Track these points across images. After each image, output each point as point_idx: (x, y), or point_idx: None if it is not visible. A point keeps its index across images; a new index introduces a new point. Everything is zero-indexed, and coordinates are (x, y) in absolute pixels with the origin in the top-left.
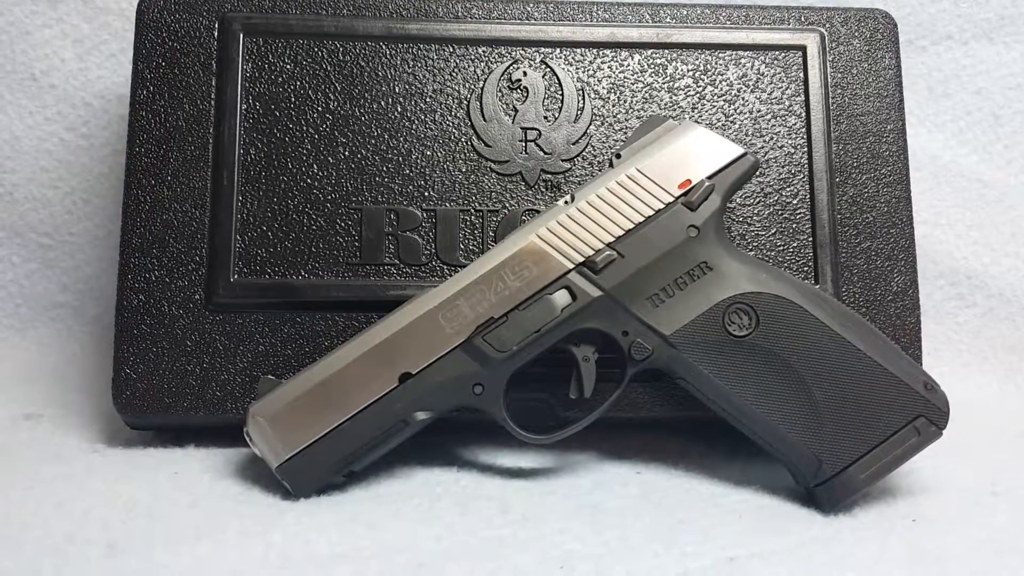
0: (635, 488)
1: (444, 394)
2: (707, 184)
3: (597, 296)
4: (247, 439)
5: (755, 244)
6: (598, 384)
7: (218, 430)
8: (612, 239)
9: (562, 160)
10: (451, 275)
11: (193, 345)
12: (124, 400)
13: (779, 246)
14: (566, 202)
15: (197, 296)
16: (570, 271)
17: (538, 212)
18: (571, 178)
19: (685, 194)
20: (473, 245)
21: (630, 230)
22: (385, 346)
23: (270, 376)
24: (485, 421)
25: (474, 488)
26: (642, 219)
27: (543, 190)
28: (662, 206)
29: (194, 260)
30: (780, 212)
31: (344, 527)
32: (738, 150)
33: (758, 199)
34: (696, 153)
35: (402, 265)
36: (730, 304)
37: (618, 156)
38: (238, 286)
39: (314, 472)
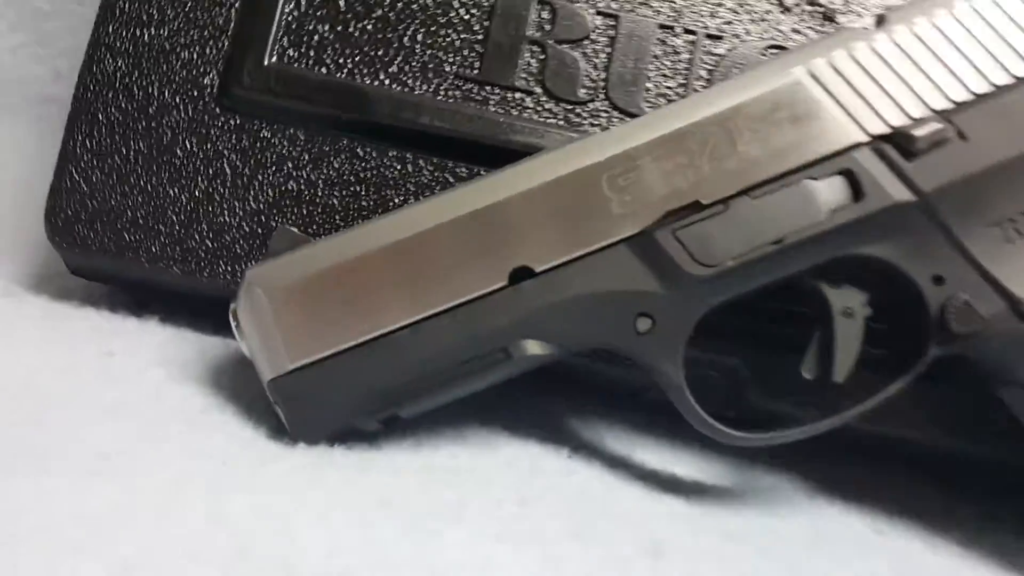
0: (882, 564)
1: (583, 319)
2: None
3: (904, 201)
4: (232, 323)
5: None
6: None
7: (198, 301)
8: (948, 104)
9: None
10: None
11: (184, 158)
12: (61, 225)
13: None
14: (866, 28)
15: (205, 82)
16: (861, 146)
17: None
18: (856, 5)
19: None
20: (670, 87)
21: (984, 95)
22: (493, 216)
23: (293, 228)
24: (627, 381)
25: (594, 495)
26: (1012, 80)
27: (808, 17)
28: None
29: (212, 26)
30: None
31: (351, 526)
32: None
33: None
34: None
35: (544, 97)
36: None
37: None
38: (273, 75)
39: (333, 404)
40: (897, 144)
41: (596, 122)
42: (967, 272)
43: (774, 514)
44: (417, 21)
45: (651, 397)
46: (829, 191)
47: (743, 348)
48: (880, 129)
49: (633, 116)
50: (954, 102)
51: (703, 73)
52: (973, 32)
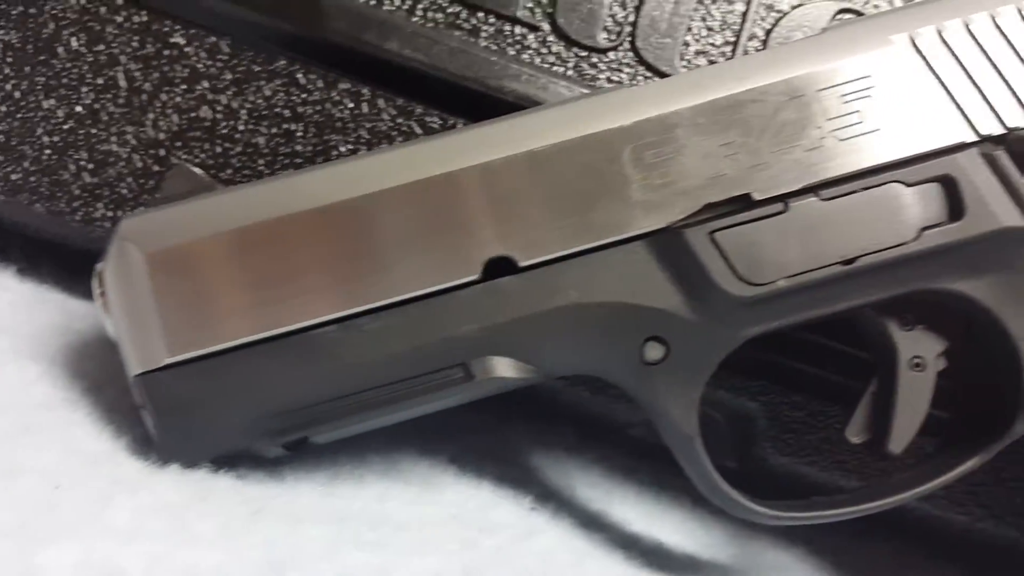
0: None
1: (575, 337)
2: None
3: (1015, 227)
4: (95, 290)
5: None
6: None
7: (69, 252)
8: None
9: None
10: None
11: (67, 60)
12: None
13: None
14: None
15: None
16: (968, 147)
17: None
18: None
19: None
20: (714, 43)
21: None
22: (468, 185)
23: (197, 168)
24: (609, 413)
25: (558, 568)
26: None
27: None
28: None
29: None
30: None
31: None
32: None
33: None
34: None
35: (553, 36)
36: None
37: None
38: None
39: (222, 418)
40: (1012, 151)
41: (616, 77)
42: None
43: None
44: None
45: (636, 434)
46: (921, 202)
47: (765, 390)
48: (994, 129)
49: (663, 76)
50: None
51: (759, 32)
52: None
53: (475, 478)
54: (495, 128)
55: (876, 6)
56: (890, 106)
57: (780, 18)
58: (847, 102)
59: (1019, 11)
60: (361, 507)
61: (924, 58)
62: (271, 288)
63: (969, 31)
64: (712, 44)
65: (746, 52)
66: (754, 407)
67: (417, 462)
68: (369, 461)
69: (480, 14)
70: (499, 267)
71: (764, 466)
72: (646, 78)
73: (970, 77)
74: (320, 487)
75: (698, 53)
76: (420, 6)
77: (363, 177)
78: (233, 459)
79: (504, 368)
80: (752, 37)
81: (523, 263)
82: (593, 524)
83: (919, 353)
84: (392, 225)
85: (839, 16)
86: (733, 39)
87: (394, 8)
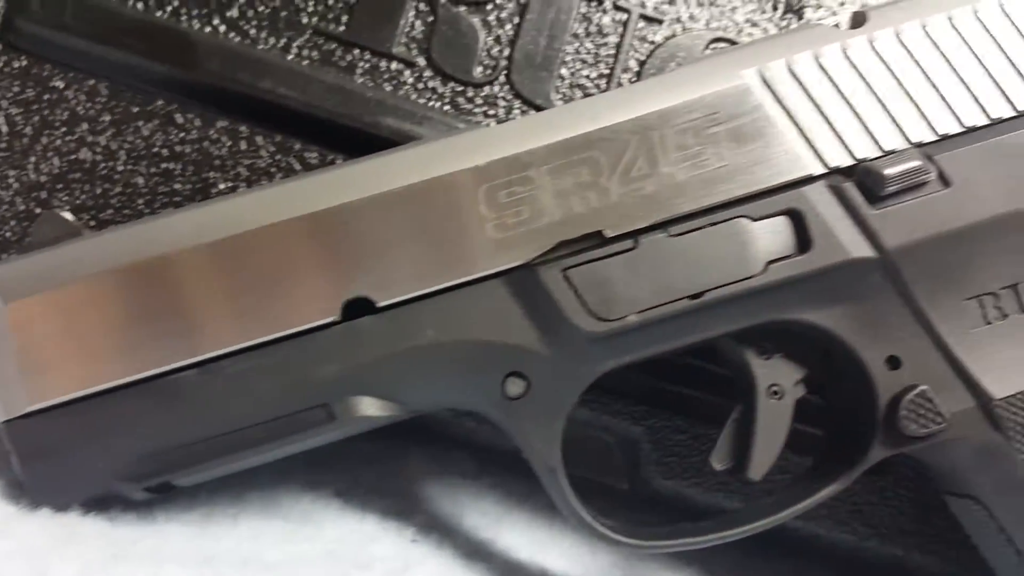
0: None
1: (436, 375)
2: None
3: (861, 258)
4: None
5: None
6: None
7: None
8: (933, 136)
9: None
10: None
11: None
12: None
13: None
14: (837, 25)
15: None
16: (815, 180)
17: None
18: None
19: None
20: (589, 76)
21: (979, 130)
22: (330, 225)
23: (66, 213)
24: (501, 439)
25: None
26: (1014, 113)
27: (768, 7)
28: None
29: None
30: None
31: None
32: None
33: None
34: None
35: (429, 71)
36: None
37: None
38: (72, 6)
39: (86, 464)
40: (861, 183)
41: (492, 111)
42: (931, 357)
43: None
44: None
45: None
46: (769, 236)
47: (649, 415)
48: (841, 160)
49: (539, 109)
50: (940, 135)
51: (632, 64)
52: (974, 48)
53: (359, 511)
54: (353, 169)
55: (750, 34)
56: (739, 141)
57: (654, 49)
58: (696, 138)
59: (870, 43)
60: (231, 547)
61: (773, 92)
62: (130, 333)
63: (820, 64)
64: (587, 77)
65: (620, 84)
66: (638, 431)
67: (299, 498)
68: (247, 499)
69: (356, 51)
70: (358, 308)
71: (651, 489)
72: (522, 111)
73: (820, 110)
74: (192, 527)
75: (573, 86)
76: (295, 44)
77: (221, 221)
78: (105, 501)
79: (367, 407)
80: (626, 69)
81: (381, 303)
82: (477, 553)
83: (777, 381)
84: (252, 267)
85: (713, 45)
86: (608, 71)
87: (268, 47)
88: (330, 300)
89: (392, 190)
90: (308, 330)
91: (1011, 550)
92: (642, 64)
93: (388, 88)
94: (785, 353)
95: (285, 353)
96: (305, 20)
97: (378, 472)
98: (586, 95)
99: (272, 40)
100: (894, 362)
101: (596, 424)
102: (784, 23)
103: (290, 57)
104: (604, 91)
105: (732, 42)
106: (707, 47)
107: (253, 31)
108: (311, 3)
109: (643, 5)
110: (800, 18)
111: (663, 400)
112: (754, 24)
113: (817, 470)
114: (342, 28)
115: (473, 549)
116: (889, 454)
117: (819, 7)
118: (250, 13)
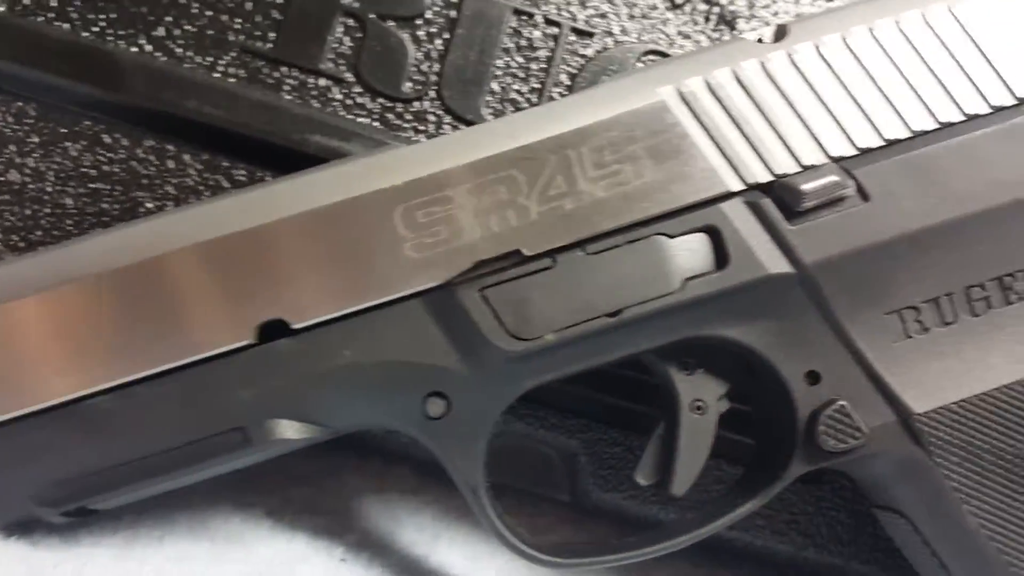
0: None
1: (355, 396)
2: None
3: (779, 274)
4: None
5: None
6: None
7: None
8: (852, 151)
9: None
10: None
11: None
12: None
13: None
14: (760, 40)
15: None
16: (732, 196)
17: (696, 50)
18: (763, 10)
19: None
20: (520, 91)
21: (899, 141)
22: (245, 247)
23: None
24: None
25: None
26: (936, 126)
27: (701, 19)
28: (986, 110)
29: None
30: None
31: None
32: None
33: None
34: None
35: (358, 87)
36: None
37: None
38: None
39: (5, 489)
40: (778, 198)
41: (422, 127)
42: (851, 371)
43: None
44: None
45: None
46: (687, 253)
47: (585, 427)
48: (760, 176)
49: (470, 123)
50: (860, 149)
51: (564, 78)
52: (895, 60)
53: (289, 531)
54: (269, 191)
55: (682, 47)
56: (657, 158)
57: (586, 63)
58: (614, 156)
59: (789, 57)
60: (155, 569)
61: (692, 109)
62: (43, 360)
63: (738, 80)
64: (518, 91)
65: (552, 98)
66: (575, 444)
67: (229, 519)
68: (174, 520)
69: (283, 68)
70: (274, 330)
71: (591, 501)
72: (453, 127)
73: (738, 126)
74: (115, 549)
75: (504, 101)
76: (221, 63)
77: (134, 245)
78: (29, 524)
79: (285, 430)
80: (558, 83)
81: (297, 325)
82: (409, 570)
83: (700, 396)
84: (166, 291)
85: (645, 58)
86: (539, 85)
87: (195, 65)
88: (244, 323)
89: (307, 211)
90: (222, 354)
91: (936, 563)
92: (574, 78)
93: (316, 105)
94: (708, 368)
95: (199, 377)
96: (232, 38)
97: (312, 490)
98: (517, 109)
99: (199, 59)
100: (814, 377)
101: (534, 437)
102: (716, 35)
103: (216, 75)
104: (536, 105)
105: (664, 55)
106: (639, 60)
107: (179, 50)
108: (238, 21)
109: (574, 19)
110: (733, 29)
111: (598, 413)
112: (686, 36)
113: (743, 483)
114: (269, 45)
115: (405, 567)
116: (809, 469)
117: (752, 18)
118: (176, 32)
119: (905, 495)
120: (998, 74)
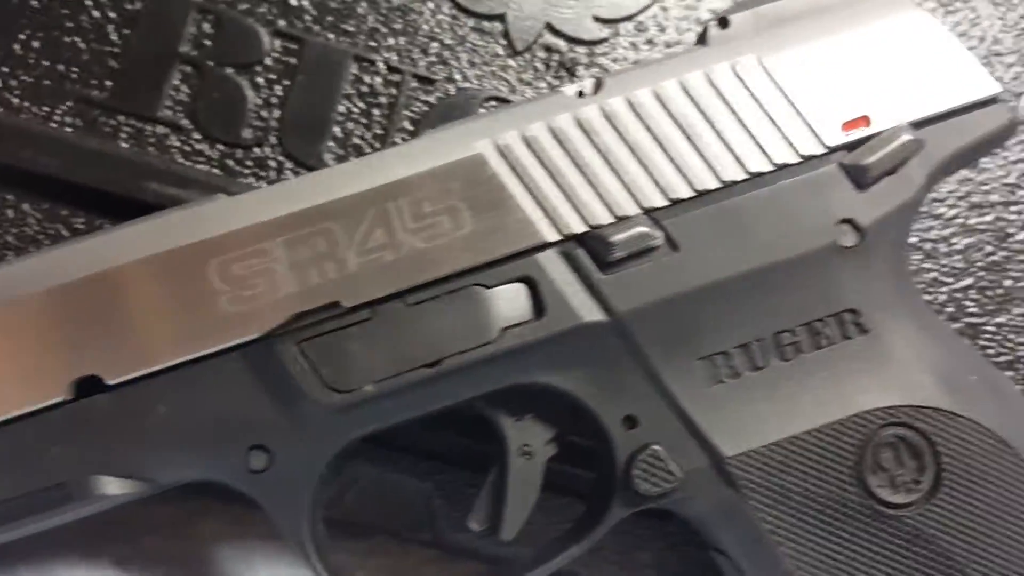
0: None
1: (175, 450)
2: (907, 139)
3: (593, 322)
4: None
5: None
6: (543, 502)
7: None
8: (664, 200)
9: (594, 21)
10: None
11: None
12: None
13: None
14: (581, 93)
15: None
16: (548, 247)
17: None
18: (602, 57)
19: (850, 146)
20: (363, 137)
21: (709, 192)
22: (59, 301)
23: None
24: None
25: None
26: (746, 176)
27: (541, 66)
28: (796, 159)
29: None
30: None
31: None
32: (991, 86)
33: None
34: (904, 65)
35: (196, 134)
36: (886, 423)
37: (724, 23)
38: None
39: None
40: (592, 249)
41: (263, 173)
42: (665, 416)
43: None
44: (32, 21)
45: (334, 516)
46: (505, 302)
47: (437, 470)
48: (575, 227)
49: (312, 169)
50: (671, 199)
51: (407, 124)
52: (706, 112)
53: None
54: (83, 245)
55: (523, 93)
56: (475, 210)
57: (428, 110)
58: (433, 208)
59: (602, 110)
60: None
61: (509, 162)
62: None
63: (553, 133)
64: (361, 137)
65: (395, 143)
66: (429, 486)
67: (74, 569)
68: (15, 570)
69: (120, 116)
70: (91, 386)
71: (451, 542)
72: (294, 172)
73: (554, 178)
74: None
75: (347, 146)
76: (57, 112)
77: None
78: None
79: (107, 486)
80: (400, 129)
81: (111, 381)
82: None
83: (528, 441)
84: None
85: (487, 104)
86: (382, 132)
87: (31, 116)
88: (59, 379)
89: (122, 265)
90: (39, 410)
91: None
92: (416, 123)
93: (154, 152)
94: (536, 414)
95: (17, 434)
96: (68, 87)
97: (164, 537)
98: (361, 155)
99: (35, 109)
100: (631, 422)
101: (390, 480)
102: (557, 82)
103: (53, 125)
104: (379, 150)
105: (506, 101)
106: (481, 105)
107: (16, 100)
108: (74, 70)
109: (415, 65)
110: (573, 76)
111: (451, 455)
112: (527, 83)
113: (578, 525)
114: (105, 94)
115: None
116: (628, 512)
117: (592, 65)
118: (12, 83)
119: (726, 537)
120: (807, 124)
